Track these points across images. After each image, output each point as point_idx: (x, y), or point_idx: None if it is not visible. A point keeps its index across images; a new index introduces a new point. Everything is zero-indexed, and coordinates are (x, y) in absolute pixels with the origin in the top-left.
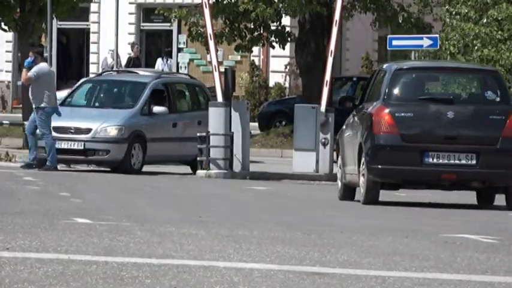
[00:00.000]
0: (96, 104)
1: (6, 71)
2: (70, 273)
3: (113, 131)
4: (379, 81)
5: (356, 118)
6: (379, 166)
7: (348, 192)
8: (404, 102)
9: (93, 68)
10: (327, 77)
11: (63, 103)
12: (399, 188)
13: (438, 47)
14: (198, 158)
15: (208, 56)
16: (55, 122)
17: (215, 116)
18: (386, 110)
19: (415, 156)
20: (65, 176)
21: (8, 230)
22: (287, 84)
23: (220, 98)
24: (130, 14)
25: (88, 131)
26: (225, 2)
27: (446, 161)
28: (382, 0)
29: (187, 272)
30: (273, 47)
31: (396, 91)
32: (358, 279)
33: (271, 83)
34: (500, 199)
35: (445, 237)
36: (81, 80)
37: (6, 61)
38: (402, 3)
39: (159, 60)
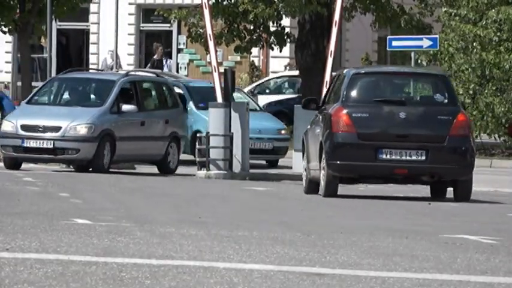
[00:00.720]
0: (64, 102)
1: (6, 72)
2: (70, 274)
3: (82, 130)
4: (339, 85)
5: (318, 118)
6: (338, 162)
7: (312, 186)
8: (361, 104)
9: None
10: (327, 77)
11: (29, 101)
12: (356, 183)
13: (438, 48)
14: (198, 159)
15: (207, 56)
16: (22, 120)
17: (215, 117)
18: (344, 111)
19: (370, 153)
20: (64, 177)
21: (7, 230)
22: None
23: (219, 99)
24: (130, 14)
25: (57, 129)
26: (224, 3)
27: (398, 157)
28: (382, 1)
29: (187, 273)
30: (272, 49)
31: (353, 94)
32: (358, 280)
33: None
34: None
35: (445, 238)
36: (48, 79)
37: (6, 62)
38: (402, 4)
39: None
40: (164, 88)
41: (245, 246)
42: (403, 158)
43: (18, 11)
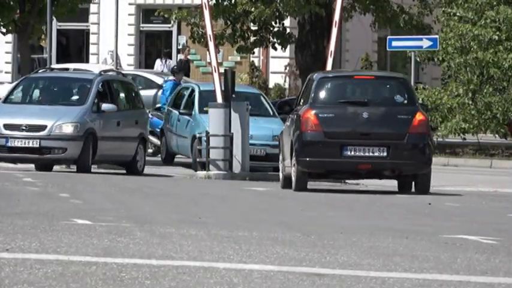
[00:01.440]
0: (43, 101)
1: (6, 72)
2: (70, 274)
3: (68, 128)
4: (309, 88)
5: (291, 119)
6: (306, 159)
7: (287, 182)
8: (327, 105)
9: None
10: None
11: (6, 100)
12: (324, 178)
13: (438, 48)
14: (198, 159)
15: (208, 57)
16: (4, 119)
17: (215, 117)
18: (312, 112)
19: (335, 150)
20: (64, 177)
21: (7, 231)
22: (287, 85)
23: (219, 99)
24: (130, 15)
25: (42, 128)
26: (225, 4)
27: (362, 154)
28: (382, 1)
29: (187, 273)
30: (275, 49)
31: (320, 96)
32: (358, 280)
33: (271, 84)
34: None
35: (445, 238)
36: (20, 78)
37: (6, 62)
38: (402, 4)
39: (158, 61)
40: (132, 88)
41: (245, 247)
42: (366, 154)
43: (18, 11)
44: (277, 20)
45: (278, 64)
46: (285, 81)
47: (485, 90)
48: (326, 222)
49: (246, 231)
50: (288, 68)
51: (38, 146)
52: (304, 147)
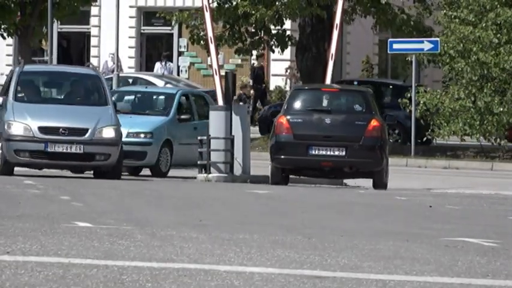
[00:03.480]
0: (65, 100)
1: (7, 75)
2: (71, 277)
3: (110, 132)
4: (287, 99)
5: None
6: (280, 156)
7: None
8: (297, 112)
9: None
10: (328, 80)
11: (16, 98)
12: (295, 174)
13: (439, 51)
14: (199, 162)
15: (208, 59)
16: (39, 122)
17: (216, 120)
18: (285, 118)
19: (303, 150)
20: (65, 180)
21: (8, 233)
22: (288, 88)
23: (220, 102)
24: (130, 17)
25: (83, 131)
26: (226, 6)
27: (324, 153)
28: (383, 4)
29: (188, 276)
30: (273, 51)
31: (293, 105)
32: (359, 283)
33: (271, 87)
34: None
35: (446, 241)
36: (10, 71)
37: (7, 65)
38: (402, 7)
39: (158, 64)
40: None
41: (246, 249)
42: (328, 153)
43: (19, 14)
44: (277, 22)
45: (279, 67)
46: (285, 84)
47: (486, 92)
48: (327, 224)
49: (246, 234)
50: (288, 70)
51: (81, 151)
52: (277, 147)
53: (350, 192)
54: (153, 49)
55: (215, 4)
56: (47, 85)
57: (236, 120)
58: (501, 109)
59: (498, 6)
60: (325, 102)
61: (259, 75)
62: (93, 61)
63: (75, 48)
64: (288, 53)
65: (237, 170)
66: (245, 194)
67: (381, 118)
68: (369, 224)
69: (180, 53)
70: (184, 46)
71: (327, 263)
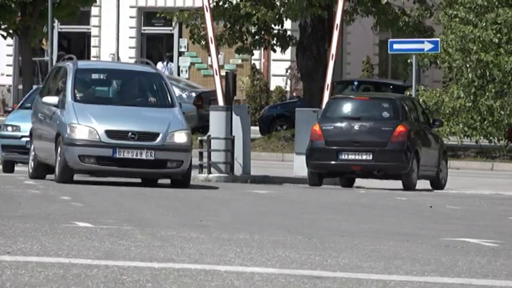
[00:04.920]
0: (128, 101)
1: (7, 75)
2: (71, 277)
3: (183, 137)
4: (323, 108)
5: None
6: (313, 161)
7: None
8: (330, 120)
9: None
10: (328, 80)
11: (76, 99)
12: (328, 177)
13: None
14: (199, 162)
15: (209, 59)
16: (106, 125)
17: (216, 120)
18: (318, 125)
19: (333, 155)
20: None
21: (9, 233)
22: (288, 88)
23: (221, 102)
24: (131, 17)
25: (154, 136)
26: (225, 6)
27: (353, 157)
28: (383, 4)
29: (188, 276)
30: (274, 51)
31: (326, 113)
32: (359, 283)
33: (272, 87)
34: None
35: (446, 241)
36: (71, 67)
37: (7, 65)
38: (403, 7)
39: (160, 64)
40: None
41: (246, 250)
42: (357, 158)
43: (19, 14)
44: (278, 22)
45: (279, 67)
46: (286, 84)
47: (487, 93)
48: (327, 225)
49: (247, 234)
50: (289, 71)
51: (152, 158)
52: (311, 153)
53: (350, 193)
54: (153, 49)
55: (214, 4)
56: (105, 84)
57: (236, 120)
58: (502, 112)
59: (498, 6)
60: (355, 110)
61: None
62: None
63: (76, 48)
64: (288, 53)
65: (238, 170)
66: (245, 194)
67: (412, 123)
68: (369, 224)
69: (180, 53)
70: (185, 46)
71: (327, 263)
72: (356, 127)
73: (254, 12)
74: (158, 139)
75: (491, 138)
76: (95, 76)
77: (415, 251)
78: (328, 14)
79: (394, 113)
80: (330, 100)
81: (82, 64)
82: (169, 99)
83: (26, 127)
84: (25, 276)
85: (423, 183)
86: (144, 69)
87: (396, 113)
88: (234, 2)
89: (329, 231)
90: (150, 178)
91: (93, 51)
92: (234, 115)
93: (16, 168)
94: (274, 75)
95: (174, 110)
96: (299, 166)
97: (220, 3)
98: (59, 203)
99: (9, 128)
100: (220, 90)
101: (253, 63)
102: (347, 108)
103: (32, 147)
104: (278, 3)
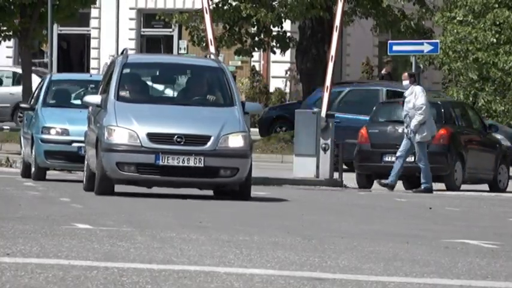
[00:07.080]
0: (178, 100)
1: (7, 77)
2: (71, 279)
3: (239, 141)
4: (372, 113)
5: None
6: (360, 164)
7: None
8: (376, 124)
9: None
10: (328, 82)
11: (118, 97)
12: (375, 178)
13: (438, 52)
14: None
15: None
16: (148, 127)
17: None
18: (365, 129)
19: (378, 157)
20: (65, 182)
21: (8, 235)
22: (287, 90)
23: None
24: (130, 19)
25: (204, 139)
26: (225, 8)
27: None
28: (383, 6)
29: (188, 278)
30: (274, 52)
31: (374, 117)
32: (359, 284)
33: (271, 89)
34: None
35: (446, 243)
36: (119, 60)
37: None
38: (403, 9)
39: None
40: None
41: (246, 251)
42: None
43: (19, 16)
44: (278, 24)
45: (279, 69)
46: (285, 85)
47: (485, 93)
48: (327, 226)
49: (246, 236)
50: (288, 72)
51: (202, 165)
52: (358, 155)
53: (350, 194)
54: (153, 51)
55: (213, 6)
56: (157, 80)
57: None
58: (502, 108)
59: (496, 6)
60: (400, 114)
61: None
62: (93, 63)
63: (75, 50)
64: (288, 54)
65: None
66: None
67: (457, 127)
68: (368, 225)
69: (180, 55)
70: (185, 48)
71: (326, 265)
72: (400, 130)
73: (255, 14)
74: (209, 143)
75: None
76: (145, 71)
77: (414, 252)
78: (329, 15)
79: (437, 116)
80: (378, 104)
81: (132, 58)
82: (230, 96)
83: (74, 129)
84: (25, 278)
85: (481, 186)
86: (204, 63)
87: (439, 116)
88: (234, 4)
89: (329, 232)
90: (199, 188)
91: (93, 53)
92: None
93: (15, 170)
94: (273, 77)
95: (232, 109)
96: (298, 168)
97: (220, 5)
98: (59, 205)
99: (52, 131)
100: None
101: (253, 65)
102: (393, 112)
103: (86, 156)
104: (277, 5)
